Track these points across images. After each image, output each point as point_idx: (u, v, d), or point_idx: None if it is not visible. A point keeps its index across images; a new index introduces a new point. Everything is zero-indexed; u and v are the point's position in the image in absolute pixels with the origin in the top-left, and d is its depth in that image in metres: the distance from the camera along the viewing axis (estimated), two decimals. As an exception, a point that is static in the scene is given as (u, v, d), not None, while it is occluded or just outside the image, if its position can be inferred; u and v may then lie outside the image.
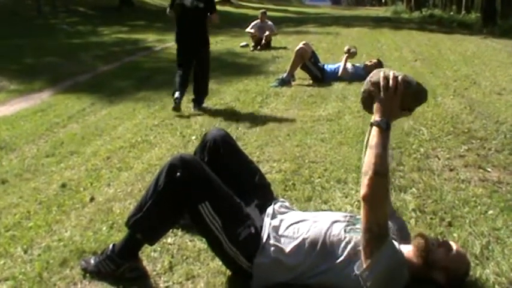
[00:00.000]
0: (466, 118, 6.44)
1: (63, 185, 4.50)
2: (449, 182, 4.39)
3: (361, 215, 2.50)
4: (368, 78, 2.55)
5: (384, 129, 2.46)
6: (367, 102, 2.56)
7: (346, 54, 9.50)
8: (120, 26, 22.23)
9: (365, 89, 2.55)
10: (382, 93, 2.47)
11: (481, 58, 12.64)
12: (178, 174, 2.69)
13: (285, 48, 14.35)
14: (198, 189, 2.72)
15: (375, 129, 2.49)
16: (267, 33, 14.73)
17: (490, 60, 12.33)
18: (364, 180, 2.44)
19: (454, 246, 2.72)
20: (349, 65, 9.42)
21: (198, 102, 7.39)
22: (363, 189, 2.44)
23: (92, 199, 4.17)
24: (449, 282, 2.65)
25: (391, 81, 2.45)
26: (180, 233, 3.43)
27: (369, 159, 2.46)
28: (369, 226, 2.47)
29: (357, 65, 9.57)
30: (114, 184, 4.51)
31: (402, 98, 2.46)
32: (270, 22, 15.27)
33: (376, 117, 2.49)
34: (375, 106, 2.50)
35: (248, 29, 15.10)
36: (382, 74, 2.48)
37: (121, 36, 18.39)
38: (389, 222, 2.70)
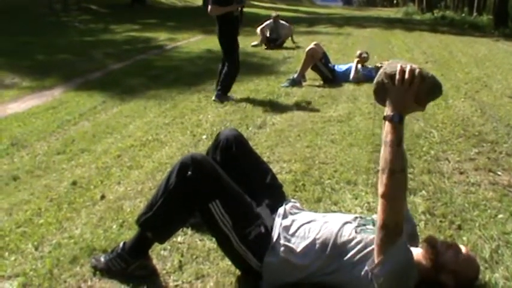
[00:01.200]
0: (477, 121, 6.43)
1: (74, 183, 4.53)
2: (459, 185, 4.39)
3: (378, 211, 2.47)
4: (383, 69, 2.47)
5: (397, 122, 2.40)
6: (380, 93, 2.48)
7: (358, 59, 9.41)
8: (132, 24, 22.25)
9: (379, 80, 2.47)
10: (396, 86, 2.40)
11: (492, 61, 12.58)
12: (189, 173, 2.71)
13: (296, 48, 14.32)
14: (209, 187, 2.74)
15: (387, 125, 2.43)
16: (280, 39, 14.84)
17: (501, 62, 12.27)
18: (382, 178, 2.42)
19: (463, 249, 2.71)
20: (359, 67, 9.35)
21: (216, 94, 7.81)
22: (381, 187, 2.42)
23: (102, 197, 4.19)
24: (458, 286, 2.64)
25: (407, 74, 2.38)
26: (190, 232, 3.44)
27: (384, 156, 2.42)
28: (386, 223, 2.44)
29: (369, 66, 9.51)
30: (124, 182, 4.53)
31: (417, 92, 2.39)
32: (282, 22, 15.27)
33: (388, 111, 2.43)
34: (388, 99, 2.44)
35: (259, 29, 15.08)
36: (399, 67, 2.40)
37: (132, 35, 18.41)
38: None
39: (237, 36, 7.76)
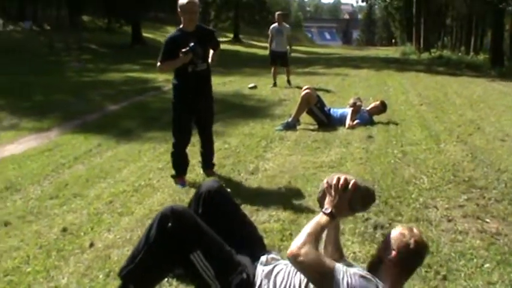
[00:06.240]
0: (468, 166, 6.45)
1: (64, 229, 4.56)
2: (447, 233, 4.41)
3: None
4: (325, 180, 2.81)
5: (329, 216, 2.66)
6: (323, 200, 2.78)
7: (352, 108, 9.37)
8: (131, 64, 22.47)
9: (321, 189, 2.82)
10: (333, 191, 2.69)
11: (486, 102, 12.70)
12: (169, 224, 2.76)
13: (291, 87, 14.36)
14: (190, 238, 2.79)
15: (322, 215, 2.69)
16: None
17: (495, 104, 12.39)
18: (298, 241, 2.56)
19: None
20: (356, 117, 9.28)
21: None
22: (293, 247, 2.54)
23: (91, 245, 4.22)
24: None
25: (341, 182, 2.67)
26: (175, 283, 3.46)
27: (307, 230, 2.61)
28: (310, 278, 2.58)
29: (362, 108, 9.57)
30: (114, 230, 4.56)
31: (351, 198, 2.69)
32: (287, 25, 15.32)
33: (325, 206, 2.70)
34: (327, 199, 2.73)
35: (270, 45, 15.15)
36: (335, 176, 2.73)
37: (131, 75, 18.56)
38: None
39: (187, 102, 5.85)
